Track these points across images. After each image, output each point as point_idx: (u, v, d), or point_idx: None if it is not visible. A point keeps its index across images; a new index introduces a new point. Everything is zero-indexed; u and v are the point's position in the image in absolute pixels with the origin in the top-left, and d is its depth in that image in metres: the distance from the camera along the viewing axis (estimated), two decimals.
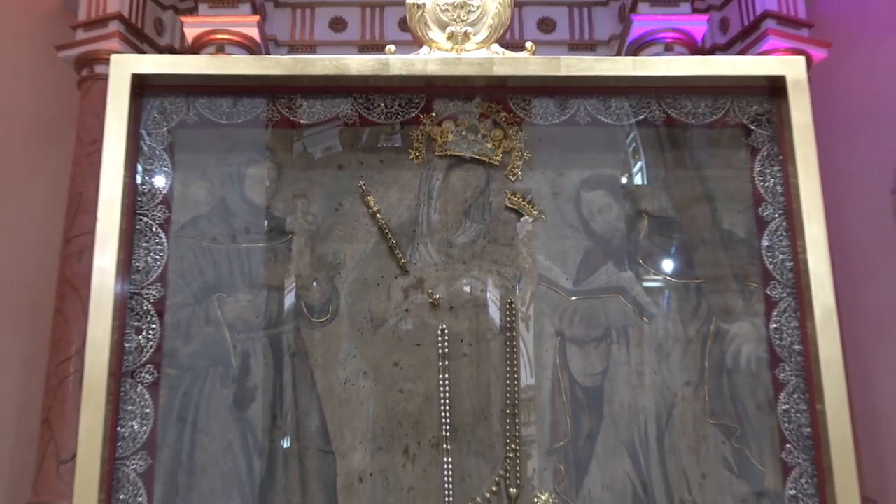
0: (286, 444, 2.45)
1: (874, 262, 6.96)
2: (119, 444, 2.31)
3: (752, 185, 2.48)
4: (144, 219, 2.44)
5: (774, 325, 2.37)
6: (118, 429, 2.32)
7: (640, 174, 2.62)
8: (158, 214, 2.45)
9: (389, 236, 2.51)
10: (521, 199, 2.54)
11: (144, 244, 2.43)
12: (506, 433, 2.43)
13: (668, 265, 2.53)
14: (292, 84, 2.52)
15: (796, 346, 2.34)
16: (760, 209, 2.46)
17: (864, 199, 7.01)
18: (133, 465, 2.31)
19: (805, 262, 2.32)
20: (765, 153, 2.48)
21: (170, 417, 2.40)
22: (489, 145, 2.50)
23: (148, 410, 2.35)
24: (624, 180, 2.62)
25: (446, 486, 2.40)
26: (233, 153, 2.57)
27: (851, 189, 6.83)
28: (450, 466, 2.40)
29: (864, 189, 7.04)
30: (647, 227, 2.53)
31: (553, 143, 2.55)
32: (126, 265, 2.39)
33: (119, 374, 2.34)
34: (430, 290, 2.49)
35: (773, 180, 2.46)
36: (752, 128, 2.51)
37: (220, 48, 6.04)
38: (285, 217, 2.54)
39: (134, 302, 2.40)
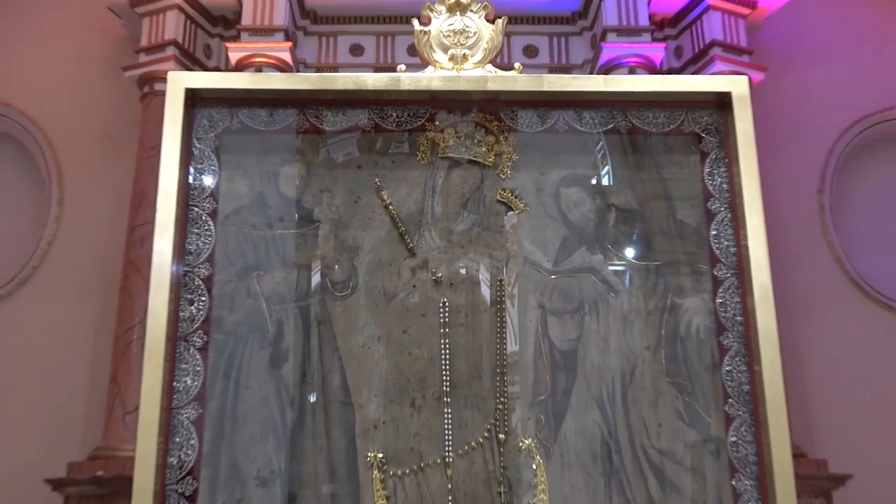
0: (313, 397, 2.45)
1: (803, 249, 6.98)
2: (174, 396, 2.31)
3: (703, 183, 2.47)
4: (196, 209, 2.43)
5: (720, 300, 2.35)
6: (174, 384, 2.31)
7: (608, 174, 2.61)
8: (207, 205, 2.44)
9: (400, 224, 2.50)
10: (509, 195, 2.53)
11: (196, 230, 2.42)
12: (496, 389, 2.42)
13: (631, 250, 2.52)
14: (319, 97, 2.50)
15: (738, 318, 2.33)
16: (709, 203, 2.45)
17: (795, 196, 7.03)
18: (186, 413, 2.31)
19: (746, 247, 2.30)
20: (713, 157, 2.47)
21: (217, 374, 2.40)
22: (483, 149, 2.49)
23: (199, 368, 2.35)
24: (595, 179, 2.61)
25: (446, 432, 2.39)
26: (269, 155, 2.55)
27: (785, 188, 6.84)
28: (449, 416, 2.39)
29: (795, 189, 7.06)
30: (615, 218, 2.52)
31: (536, 147, 2.53)
32: (180, 248, 2.38)
33: (175, 338, 2.33)
34: (433, 270, 2.48)
35: (719, 179, 2.45)
36: (703, 136, 2.49)
37: (259, 69, 6.00)
38: (313, 208, 2.52)
39: (187, 279, 2.39)
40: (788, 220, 6.69)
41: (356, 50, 6.67)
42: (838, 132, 7.35)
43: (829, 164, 7.32)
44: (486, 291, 2.46)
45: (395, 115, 2.51)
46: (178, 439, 2.29)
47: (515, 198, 2.53)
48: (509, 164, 2.53)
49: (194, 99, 2.47)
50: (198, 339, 2.36)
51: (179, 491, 2.28)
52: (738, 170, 2.38)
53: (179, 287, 2.36)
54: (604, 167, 2.60)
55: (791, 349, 6.44)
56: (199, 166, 2.47)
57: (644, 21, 6.33)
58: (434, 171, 2.52)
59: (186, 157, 2.44)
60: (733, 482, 2.24)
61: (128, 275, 5.90)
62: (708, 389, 2.31)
